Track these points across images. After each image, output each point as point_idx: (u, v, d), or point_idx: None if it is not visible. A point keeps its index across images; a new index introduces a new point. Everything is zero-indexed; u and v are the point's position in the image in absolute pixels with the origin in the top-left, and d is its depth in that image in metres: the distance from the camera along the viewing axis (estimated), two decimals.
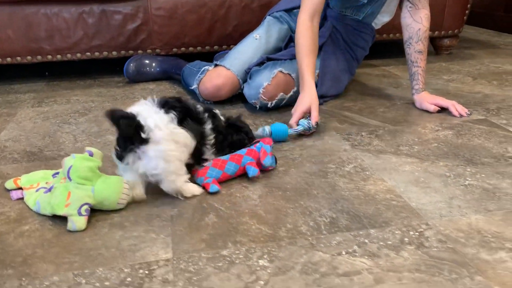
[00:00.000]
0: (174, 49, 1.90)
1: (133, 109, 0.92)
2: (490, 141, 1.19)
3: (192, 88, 1.55)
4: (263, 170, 1.04)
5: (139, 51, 1.88)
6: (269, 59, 1.49)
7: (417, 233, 0.81)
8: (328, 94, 1.53)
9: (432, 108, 1.40)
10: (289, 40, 1.61)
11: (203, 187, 0.97)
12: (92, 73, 2.00)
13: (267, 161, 1.02)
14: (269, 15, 1.67)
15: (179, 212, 0.90)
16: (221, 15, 1.86)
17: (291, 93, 1.45)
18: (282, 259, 0.76)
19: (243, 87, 1.48)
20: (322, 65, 1.52)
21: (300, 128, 1.23)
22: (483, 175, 1.01)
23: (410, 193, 0.95)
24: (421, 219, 0.86)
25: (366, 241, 0.80)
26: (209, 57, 1.84)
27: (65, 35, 1.78)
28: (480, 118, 1.34)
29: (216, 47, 1.91)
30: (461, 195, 0.93)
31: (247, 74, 1.48)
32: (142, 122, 0.87)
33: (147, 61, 1.82)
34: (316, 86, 1.51)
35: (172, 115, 0.91)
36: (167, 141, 0.88)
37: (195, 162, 0.99)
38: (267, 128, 1.21)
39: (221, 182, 1.00)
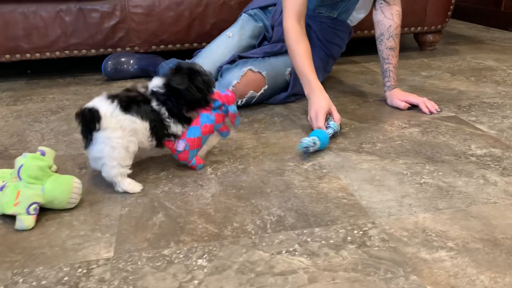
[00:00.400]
0: (153, 47, 1.90)
1: (89, 103, 0.96)
2: (454, 139, 1.18)
3: None
4: None
5: (118, 49, 1.88)
6: (240, 57, 1.48)
7: (361, 232, 0.81)
8: (301, 92, 1.52)
9: (403, 105, 1.39)
10: (263, 38, 1.60)
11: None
12: (72, 71, 2.01)
13: (237, 123, 1.06)
14: (244, 12, 1.67)
15: (129, 211, 0.90)
16: (199, 12, 1.86)
17: (262, 91, 1.44)
18: (221, 259, 0.76)
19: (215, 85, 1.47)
20: None
21: (331, 131, 1.18)
22: (440, 173, 1.01)
23: (362, 192, 0.94)
24: (368, 218, 0.85)
25: (309, 239, 0.80)
26: (189, 54, 1.83)
27: (43, 33, 1.79)
28: (449, 115, 1.33)
29: (195, 45, 1.91)
30: (414, 194, 0.93)
31: (219, 73, 1.48)
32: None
33: (124, 59, 1.82)
34: (289, 84, 1.51)
35: (116, 103, 0.95)
36: (114, 129, 0.93)
37: (161, 139, 1.01)
38: (317, 140, 1.10)
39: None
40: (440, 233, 0.80)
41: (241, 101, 1.42)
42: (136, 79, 1.84)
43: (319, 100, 1.25)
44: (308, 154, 1.11)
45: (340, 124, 1.22)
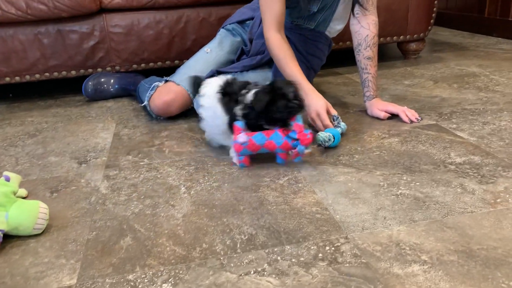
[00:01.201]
0: (134, 66, 1.89)
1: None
2: (434, 147, 1.16)
3: (142, 105, 1.54)
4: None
5: (99, 69, 1.87)
6: (219, 73, 1.47)
7: (333, 248, 0.79)
8: None
9: (383, 115, 1.37)
10: (241, 53, 1.59)
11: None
12: (54, 93, 1.99)
13: (297, 160, 1.10)
14: (222, 27, 1.66)
15: (96, 236, 0.88)
16: (178, 29, 1.86)
17: None
18: (187, 282, 0.73)
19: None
20: (275, 76, 1.50)
21: (340, 130, 1.22)
22: (417, 184, 0.98)
23: (337, 205, 0.92)
24: (341, 233, 0.83)
25: (279, 258, 0.77)
26: (171, 72, 1.82)
27: (21, 56, 1.78)
28: (430, 123, 1.32)
29: (176, 62, 1.90)
30: (390, 206, 0.90)
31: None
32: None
33: (104, 79, 1.81)
34: None
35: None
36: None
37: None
38: (332, 137, 1.16)
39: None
40: (414, 246, 0.78)
41: None
42: (117, 99, 1.83)
43: (315, 100, 1.26)
44: (288, 165, 1.09)
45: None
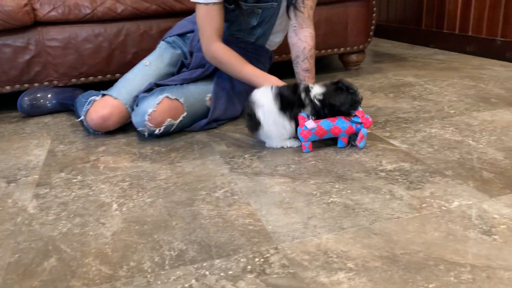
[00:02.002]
0: (73, 80, 1.83)
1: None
2: (367, 155, 1.19)
3: (79, 120, 1.49)
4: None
5: (36, 84, 1.80)
6: (158, 85, 1.45)
7: (262, 259, 0.78)
8: (222, 118, 1.51)
9: None
10: (181, 65, 1.58)
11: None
12: None
13: (362, 144, 1.22)
14: (162, 40, 1.65)
15: (19, 258, 0.83)
16: (119, 42, 1.82)
17: (181, 118, 1.41)
18: None
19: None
20: (215, 89, 1.50)
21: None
22: (348, 191, 1.00)
23: (270, 216, 0.92)
24: (272, 244, 0.83)
25: (207, 273, 0.76)
26: (112, 85, 1.78)
27: None
28: None
29: (117, 75, 1.87)
30: (320, 214, 0.92)
31: (135, 102, 1.44)
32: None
33: (41, 94, 1.75)
34: (209, 110, 1.49)
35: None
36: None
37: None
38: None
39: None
40: (341, 253, 0.79)
41: (159, 130, 1.38)
42: (55, 114, 1.77)
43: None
44: (225, 177, 1.09)
45: None
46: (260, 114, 1.21)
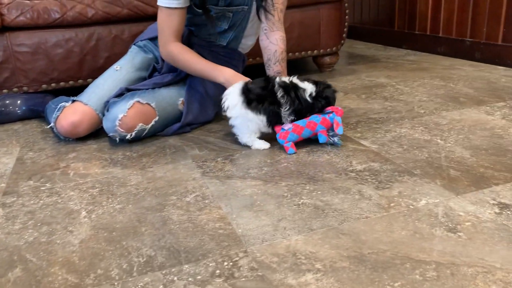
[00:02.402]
0: (44, 86, 1.80)
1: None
2: (338, 156, 1.20)
3: (49, 126, 1.47)
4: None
5: (4, 91, 1.76)
6: (129, 90, 1.44)
7: (231, 263, 0.78)
8: (195, 121, 1.50)
9: None
10: (153, 70, 1.57)
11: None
12: None
13: (339, 130, 1.21)
14: (134, 44, 1.64)
15: None
16: (90, 47, 1.80)
17: (152, 123, 1.40)
18: None
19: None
20: (188, 93, 1.50)
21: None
22: (319, 192, 1.01)
23: (240, 219, 0.92)
24: (241, 247, 0.83)
25: (175, 279, 0.75)
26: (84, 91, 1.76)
27: None
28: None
29: (89, 80, 1.84)
30: (291, 216, 0.92)
31: (106, 107, 1.42)
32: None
33: (10, 101, 1.71)
34: (182, 114, 1.48)
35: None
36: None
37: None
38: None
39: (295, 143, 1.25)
40: (310, 255, 0.79)
41: (131, 135, 1.37)
42: (25, 121, 1.73)
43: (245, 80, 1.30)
44: (197, 181, 1.08)
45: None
46: (228, 108, 1.26)
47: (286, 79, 1.27)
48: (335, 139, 1.25)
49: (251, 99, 1.24)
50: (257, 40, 1.59)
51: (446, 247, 0.79)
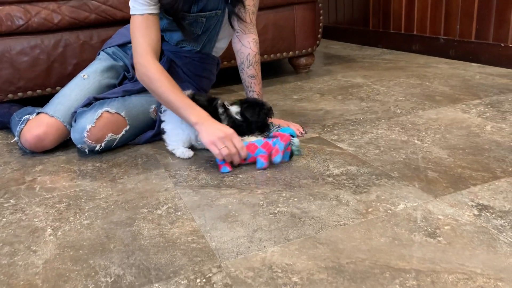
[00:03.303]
0: (10, 95, 1.73)
1: None
2: (315, 160, 1.17)
3: (13, 140, 1.40)
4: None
5: None
6: (97, 99, 1.38)
7: (204, 280, 0.74)
8: None
9: None
10: (123, 77, 1.51)
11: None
12: None
13: (276, 159, 1.13)
14: (102, 50, 1.58)
15: None
16: (57, 54, 1.74)
17: (123, 132, 1.35)
18: None
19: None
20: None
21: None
22: (295, 199, 0.98)
23: (214, 231, 0.88)
24: (215, 262, 0.79)
25: None
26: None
27: None
28: (313, 136, 1.34)
29: (58, 88, 1.77)
30: (266, 226, 0.88)
31: (73, 118, 1.36)
32: None
33: None
34: (155, 122, 1.44)
35: None
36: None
37: None
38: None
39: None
40: (286, 267, 0.76)
41: (100, 146, 1.32)
42: None
43: (219, 126, 1.16)
44: (169, 192, 1.04)
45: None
46: (164, 111, 1.28)
47: (225, 103, 1.29)
48: (294, 148, 1.18)
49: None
50: (230, 42, 1.56)
51: (426, 253, 0.76)
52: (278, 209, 0.95)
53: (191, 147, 1.30)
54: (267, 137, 1.23)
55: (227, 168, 1.15)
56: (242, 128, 1.25)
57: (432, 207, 0.90)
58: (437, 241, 0.80)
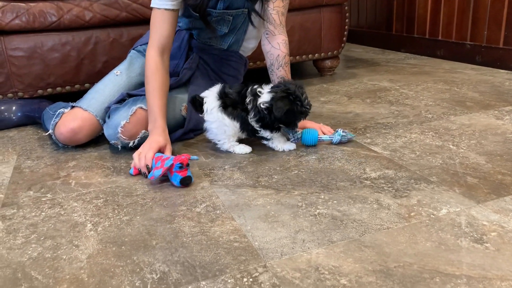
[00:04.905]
0: (40, 91, 1.74)
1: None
2: (350, 163, 1.17)
3: (47, 134, 1.41)
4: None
5: None
6: (130, 96, 1.39)
7: (251, 279, 0.74)
8: (198, 128, 1.46)
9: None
10: None
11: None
12: None
13: (173, 178, 1.09)
14: (133, 49, 1.59)
15: None
16: (87, 51, 1.75)
17: None
18: None
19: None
20: (191, 96, 1.45)
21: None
22: (335, 202, 0.97)
23: (256, 231, 0.88)
24: (260, 261, 0.79)
25: None
26: (81, 95, 1.70)
27: None
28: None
29: (87, 85, 1.79)
30: (308, 227, 0.88)
31: (107, 114, 1.37)
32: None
33: (4, 107, 1.65)
34: (185, 120, 1.44)
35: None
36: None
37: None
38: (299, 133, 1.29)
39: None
40: (333, 269, 0.75)
41: (133, 142, 1.32)
42: (21, 128, 1.68)
43: (156, 137, 1.22)
44: (206, 190, 1.04)
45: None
46: (205, 111, 1.25)
47: (268, 86, 1.23)
48: (175, 181, 1.09)
49: (227, 104, 1.23)
50: (259, 43, 1.56)
51: (475, 259, 0.75)
52: (318, 210, 0.94)
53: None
54: (293, 138, 1.26)
55: (132, 170, 1.18)
56: (265, 120, 1.21)
57: (476, 213, 0.89)
58: (484, 247, 0.79)
